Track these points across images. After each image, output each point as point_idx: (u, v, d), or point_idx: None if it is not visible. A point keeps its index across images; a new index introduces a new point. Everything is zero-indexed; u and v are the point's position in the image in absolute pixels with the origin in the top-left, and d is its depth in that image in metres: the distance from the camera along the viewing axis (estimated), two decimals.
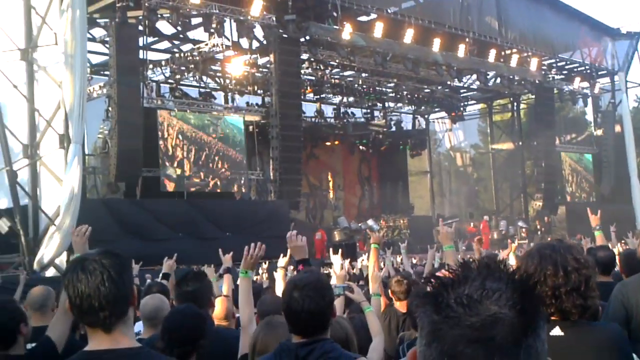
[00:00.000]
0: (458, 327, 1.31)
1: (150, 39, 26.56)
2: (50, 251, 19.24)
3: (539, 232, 35.30)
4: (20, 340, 4.36)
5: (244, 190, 27.85)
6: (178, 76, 28.55)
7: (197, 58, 26.81)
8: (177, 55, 28.35)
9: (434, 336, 1.34)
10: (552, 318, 3.02)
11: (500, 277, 1.37)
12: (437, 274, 4.83)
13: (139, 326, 5.49)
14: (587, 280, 3.05)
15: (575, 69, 39.09)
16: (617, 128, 39.50)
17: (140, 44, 23.66)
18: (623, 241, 18.32)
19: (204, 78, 29.82)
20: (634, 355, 3.19)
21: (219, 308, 5.79)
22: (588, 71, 39.10)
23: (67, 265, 2.79)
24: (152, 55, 27.74)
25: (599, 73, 39.69)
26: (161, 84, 28.76)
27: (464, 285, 1.36)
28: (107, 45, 24.43)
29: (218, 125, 26.55)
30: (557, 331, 3.00)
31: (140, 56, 23.54)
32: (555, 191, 37.93)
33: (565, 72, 39.16)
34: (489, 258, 1.49)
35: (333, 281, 5.32)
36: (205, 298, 4.93)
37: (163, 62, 28.26)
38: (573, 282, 3.01)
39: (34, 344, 4.51)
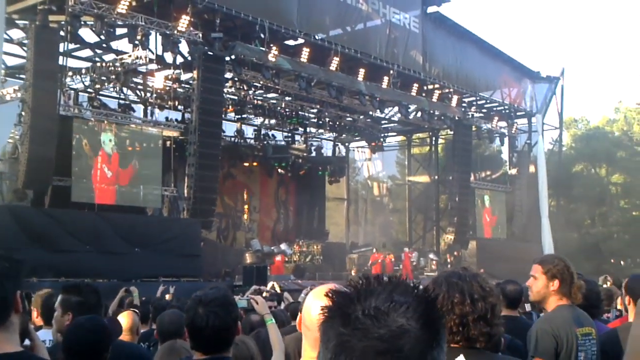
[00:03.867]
0: (366, 338, 1.34)
1: (71, 46, 25.87)
2: None
3: (448, 265, 35.73)
4: None
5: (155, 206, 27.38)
6: (98, 86, 27.96)
7: (119, 69, 26.38)
8: (98, 64, 27.81)
9: (342, 348, 1.36)
10: (457, 345, 2.97)
11: (406, 291, 1.41)
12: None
13: (45, 334, 5.34)
14: (493, 308, 3.05)
15: (495, 108, 39.98)
16: (532, 168, 40.49)
17: (61, 49, 23.07)
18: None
19: (125, 90, 29.33)
20: None
21: (126, 321, 5.69)
22: (507, 111, 40.09)
23: None
24: (72, 63, 27.04)
25: (517, 114, 40.77)
26: (79, 93, 28.14)
27: (372, 298, 1.39)
28: (25, 48, 23.81)
29: (134, 139, 26.00)
30: (460, 359, 2.95)
31: (60, 62, 22.94)
32: (467, 226, 38.52)
33: (484, 110, 40.04)
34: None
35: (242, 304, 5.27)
36: (95, 309, 4.71)
37: (83, 70, 27.65)
38: (480, 310, 2.99)
39: None
